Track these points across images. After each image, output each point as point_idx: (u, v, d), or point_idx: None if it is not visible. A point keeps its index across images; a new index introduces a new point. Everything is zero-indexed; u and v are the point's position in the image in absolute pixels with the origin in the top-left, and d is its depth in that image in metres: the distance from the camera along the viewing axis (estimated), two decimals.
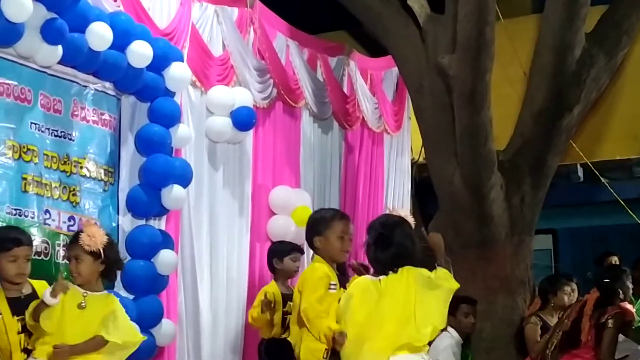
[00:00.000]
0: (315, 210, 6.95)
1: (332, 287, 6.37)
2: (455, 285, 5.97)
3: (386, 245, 5.96)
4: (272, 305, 7.61)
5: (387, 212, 6.69)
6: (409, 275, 5.88)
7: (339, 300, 6.20)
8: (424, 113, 9.48)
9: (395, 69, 10.47)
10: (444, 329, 8.09)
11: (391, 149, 10.99)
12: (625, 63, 10.48)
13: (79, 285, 5.85)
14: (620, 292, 8.15)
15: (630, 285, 8.65)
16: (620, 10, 9.27)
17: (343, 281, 6.56)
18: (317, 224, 6.68)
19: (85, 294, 5.82)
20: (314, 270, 6.52)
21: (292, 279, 8.01)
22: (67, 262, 6.06)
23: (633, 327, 8.70)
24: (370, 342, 5.85)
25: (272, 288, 7.84)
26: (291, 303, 7.11)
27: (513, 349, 9.16)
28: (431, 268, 5.99)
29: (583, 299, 8.22)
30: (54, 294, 5.64)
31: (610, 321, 7.92)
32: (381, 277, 5.96)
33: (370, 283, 5.98)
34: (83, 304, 5.79)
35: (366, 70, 10.59)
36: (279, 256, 8.00)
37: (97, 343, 5.75)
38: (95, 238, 5.83)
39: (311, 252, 6.92)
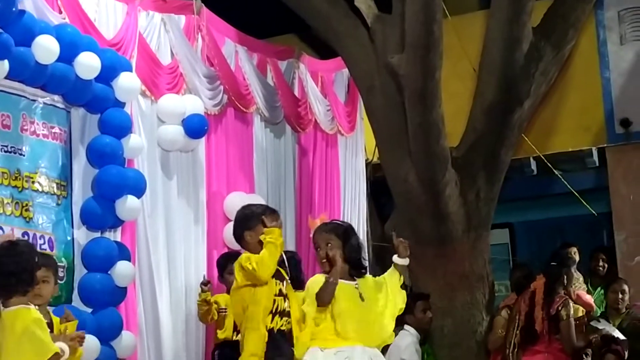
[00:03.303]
0: (243, 206, 6.89)
1: None
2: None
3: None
4: (221, 312, 7.65)
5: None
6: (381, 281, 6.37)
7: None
8: (376, 113, 9.49)
9: (346, 70, 10.48)
10: (402, 328, 8.15)
11: (346, 150, 10.98)
12: (573, 55, 10.57)
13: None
14: (565, 277, 8.24)
15: (574, 274, 8.73)
16: (565, 3, 9.36)
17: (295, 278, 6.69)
18: (248, 219, 6.62)
19: None
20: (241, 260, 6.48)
21: None
22: None
23: (593, 317, 8.79)
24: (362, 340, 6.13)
25: (225, 296, 7.82)
26: None
27: (474, 344, 9.21)
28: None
29: (530, 289, 8.29)
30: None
31: (562, 312, 8.02)
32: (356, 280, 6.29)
33: (349, 286, 6.20)
34: None
35: (317, 72, 10.58)
36: (220, 272, 8.05)
37: None
38: None
39: None
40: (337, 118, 10.71)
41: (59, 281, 6.91)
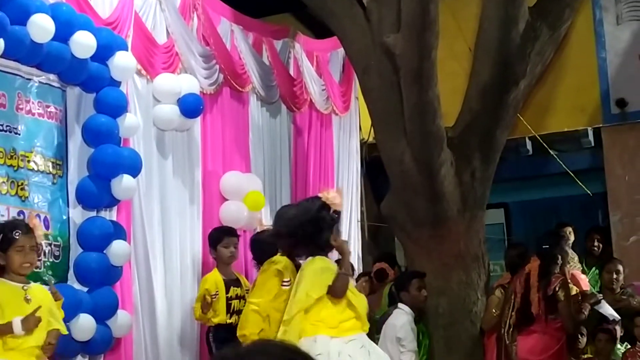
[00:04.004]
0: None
1: (284, 283, 6.46)
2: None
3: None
4: (212, 298, 7.59)
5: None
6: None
7: None
8: (371, 93, 9.46)
9: (341, 50, 10.46)
10: (396, 306, 8.15)
11: (340, 129, 10.98)
12: (569, 35, 10.56)
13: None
14: (559, 257, 8.24)
15: (569, 251, 8.73)
16: None
17: None
18: None
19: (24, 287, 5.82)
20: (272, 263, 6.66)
21: (233, 264, 8.01)
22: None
23: (587, 295, 8.82)
24: None
25: (214, 276, 7.82)
26: (234, 288, 7.14)
27: (469, 324, 9.22)
28: None
29: (524, 271, 8.28)
30: (26, 328, 5.62)
31: (560, 293, 8.02)
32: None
33: None
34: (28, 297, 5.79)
35: (312, 52, 10.57)
36: (212, 245, 8.01)
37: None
38: None
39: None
40: (332, 98, 10.71)
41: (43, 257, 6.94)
